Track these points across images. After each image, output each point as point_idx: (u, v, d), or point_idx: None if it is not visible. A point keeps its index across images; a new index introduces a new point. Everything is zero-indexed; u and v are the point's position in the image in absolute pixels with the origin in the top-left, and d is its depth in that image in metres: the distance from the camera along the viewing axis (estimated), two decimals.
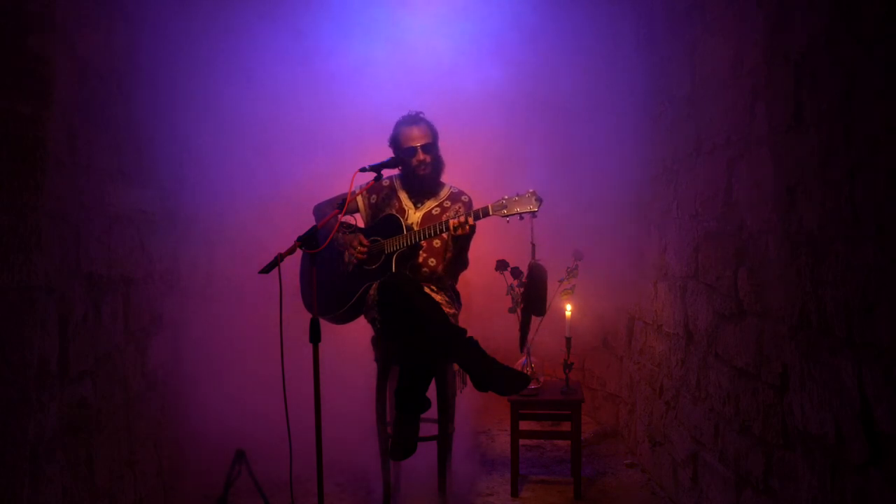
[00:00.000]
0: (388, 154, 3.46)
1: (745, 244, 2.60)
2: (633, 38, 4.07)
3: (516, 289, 3.61)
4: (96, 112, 2.46)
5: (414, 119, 3.46)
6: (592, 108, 4.36)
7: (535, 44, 4.50)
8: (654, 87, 3.81)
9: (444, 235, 3.37)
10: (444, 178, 3.61)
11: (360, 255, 3.42)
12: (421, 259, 3.47)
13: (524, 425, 3.71)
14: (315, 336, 2.75)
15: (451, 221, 3.18)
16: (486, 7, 4.56)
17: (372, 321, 3.46)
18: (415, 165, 3.42)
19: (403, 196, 3.56)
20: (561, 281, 3.78)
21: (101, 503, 2.46)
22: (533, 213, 3.11)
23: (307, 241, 2.82)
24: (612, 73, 4.23)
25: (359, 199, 3.60)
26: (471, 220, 3.16)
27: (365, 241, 3.44)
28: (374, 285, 3.38)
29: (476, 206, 3.32)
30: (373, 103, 4.39)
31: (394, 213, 3.48)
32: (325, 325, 3.02)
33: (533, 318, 3.58)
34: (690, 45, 3.24)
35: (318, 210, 3.63)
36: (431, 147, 3.44)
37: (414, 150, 3.41)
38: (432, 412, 3.33)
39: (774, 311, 2.34)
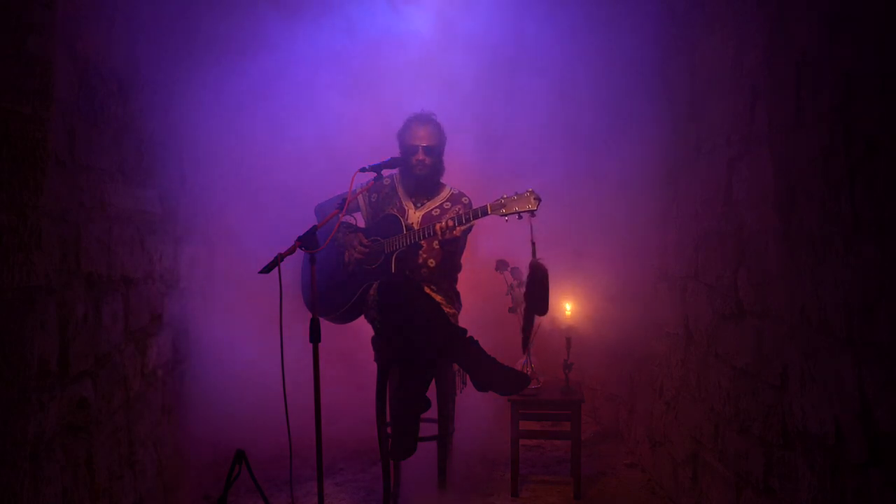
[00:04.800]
0: (388, 155, 3.46)
1: (746, 244, 2.60)
2: (636, 38, 4.06)
3: (516, 289, 3.61)
4: (96, 112, 2.46)
5: (424, 119, 3.47)
6: (595, 107, 4.35)
7: (536, 43, 4.50)
8: (656, 87, 3.80)
9: (446, 235, 3.37)
10: (445, 180, 3.62)
11: (359, 255, 3.43)
12: (420, 259, 3.47)
13: (524, 425, 3.71)
14: (315, 336, 2.76)
15: (436, 225, 3.19)
16: (490, 7, 4.56)
17: (372, 321, 3.46)
18: (413, 164, 3.43)
19: (403, 196, 3.56)
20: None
21: (100, 503, 2.46)
22: (532, 212, 3.11)
23: (307, 240, 2.82)
24: (614, 74, 4.23)
25: (360, 198, 3.60)
26: (459, 228, 3.16)
27: (365, 241, 3.44)
28: (374, 285, 3.38)
29: (476, 205, 3.33)
30: (374, 104, 4.39)
31: (394, 212, 3.49)
32: (325, 324, 3.02)
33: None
34: (691, 45, 3.24)
35: (320, 210, 3.63)
36: (433, 150, 3.45)
37: (416, 148, 3.42)
38: (432, 412, 3.33)
39: (774, 310, 2.34)
